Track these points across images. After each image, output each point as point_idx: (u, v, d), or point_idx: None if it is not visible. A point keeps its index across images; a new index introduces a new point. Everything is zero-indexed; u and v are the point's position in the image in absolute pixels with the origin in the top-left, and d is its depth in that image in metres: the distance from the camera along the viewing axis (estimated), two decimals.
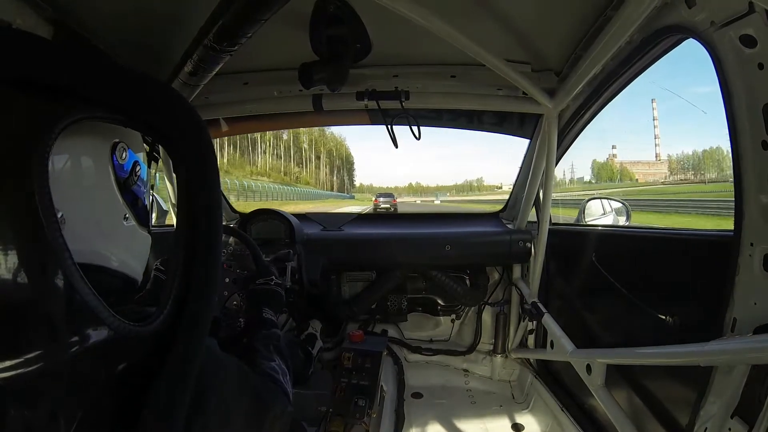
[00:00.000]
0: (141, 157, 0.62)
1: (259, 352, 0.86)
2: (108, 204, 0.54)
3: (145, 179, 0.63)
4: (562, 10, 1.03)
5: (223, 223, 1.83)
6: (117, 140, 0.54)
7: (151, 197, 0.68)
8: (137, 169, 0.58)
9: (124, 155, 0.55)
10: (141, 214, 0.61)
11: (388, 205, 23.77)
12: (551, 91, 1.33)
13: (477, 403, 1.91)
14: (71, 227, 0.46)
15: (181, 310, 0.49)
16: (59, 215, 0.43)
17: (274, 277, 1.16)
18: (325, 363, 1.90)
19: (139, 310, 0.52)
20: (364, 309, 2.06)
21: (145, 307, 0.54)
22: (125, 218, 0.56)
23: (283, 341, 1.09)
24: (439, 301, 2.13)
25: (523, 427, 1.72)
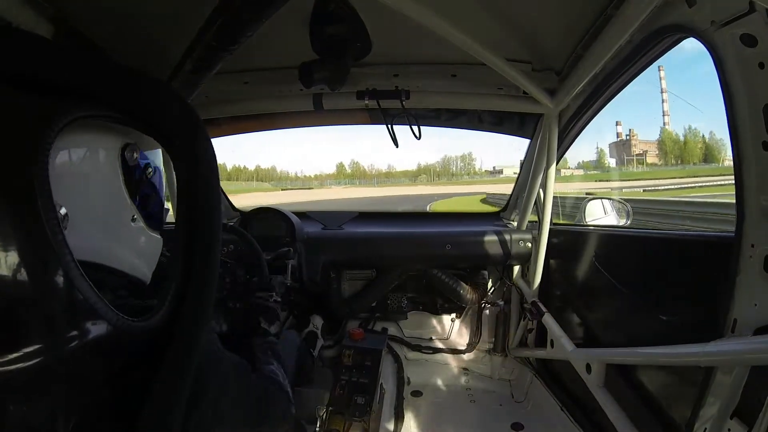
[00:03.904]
0: (154, 156, 0.61)
1: (257, 357, 0.88)
2: (114, 204, 0.54)
3: (158, 182, 0.62)
4: (563, 10, 1.02)
5: (225, 222, 1.83)
6: (129, 141, 0.54)
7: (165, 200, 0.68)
8: (148, 171, 0.59)
9: (134, 156, 0.55)
10: (151, 216, 0.60)
11: None
12: (552, 91, 1.33)
13: (476, 402, 1.91)
14: (75, 225, 0.46)
15: (181, 307, 0.49)
16: (63, 212, 0.43)
17: (274, 293, 1.17)
18: (325, 361, 1.91)
19: (139, 303, 0.53)
20: (364, 307, 2.07)
21: (146, 299, 0.55)
22: (133, 219, 0.56)
23: (287, 344, 1.10)
24: (440, 300, 2.13)
25: (522, 426, 1.72)
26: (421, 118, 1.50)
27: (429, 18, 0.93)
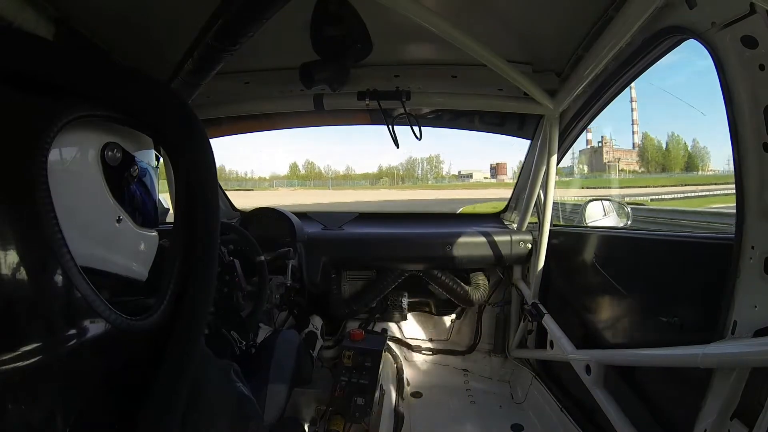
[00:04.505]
0: (145, 156, 0.60)
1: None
2: (96, 205, 0.52)
3: (147, 179, 0.61)
4: (564, 11, 1.02)
5: (225, 221, 1.83)
6: (109, 140, 0.52)
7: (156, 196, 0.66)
8: (133, 169, 0.57)
9: (117, 155, 0.53)
10: (140, 214, 0.59)
11: None
12: (552, 92, 1.33)
13: (476, 403, 1.91)
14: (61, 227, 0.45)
15: (179, 306, 0.49)
16: None
17: (245, 343, 1.17)
18: (325, 361, 1.90)
19: (137, 301, 0.52)
20: (364, 308, 2.07)
21: (144, 297, 0.54)
22: (118, 220, 0.54)
23: (286, 344, 1.09)
24: (439, 301, 2.13)
25: (522, 428, 1.72)
26: (421, 118, 1.50)
27: (429, 19, 0.93)
